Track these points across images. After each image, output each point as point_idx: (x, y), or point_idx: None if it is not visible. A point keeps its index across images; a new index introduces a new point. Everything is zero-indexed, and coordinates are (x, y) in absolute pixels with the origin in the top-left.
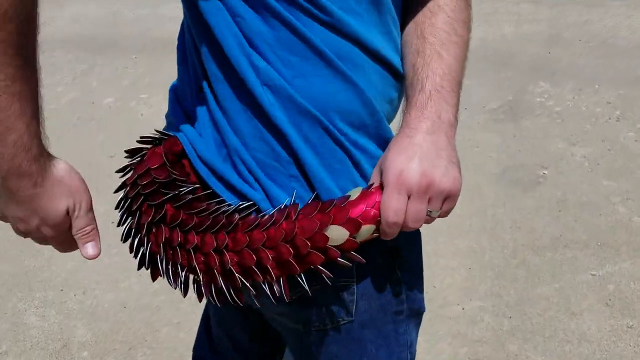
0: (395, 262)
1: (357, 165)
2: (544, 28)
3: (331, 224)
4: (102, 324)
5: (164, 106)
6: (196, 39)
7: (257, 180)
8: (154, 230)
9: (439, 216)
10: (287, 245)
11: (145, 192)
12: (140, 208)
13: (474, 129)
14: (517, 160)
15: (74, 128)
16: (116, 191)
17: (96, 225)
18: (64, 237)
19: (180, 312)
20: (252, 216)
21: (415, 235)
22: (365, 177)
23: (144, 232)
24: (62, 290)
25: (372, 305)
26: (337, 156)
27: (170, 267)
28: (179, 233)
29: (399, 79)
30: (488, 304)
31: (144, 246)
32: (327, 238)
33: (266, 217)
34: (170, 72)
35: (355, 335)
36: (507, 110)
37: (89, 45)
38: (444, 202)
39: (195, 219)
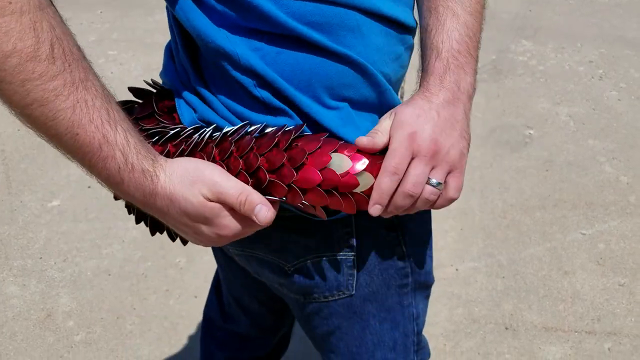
0: (401, 235)
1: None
2: None
3: (336, 152)
4: (86, 292)
5: (134, 64)
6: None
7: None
8: None
9: (447, 199)
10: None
11: None
12: None
13: None
14: (502, 121)
15: None
16: None
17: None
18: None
19: (168, 279)
20: (248, 137)
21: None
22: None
23: None
24: (41, 258)
25: (374, 280)
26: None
27: None
28: None
29: (408, 31)
30: (481, 264)
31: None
32: (330, 159)
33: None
34: (137, 27)
35: (357, 309)
36: (490, 69)
37: None
38: (448, 175)
39: (196, 155)
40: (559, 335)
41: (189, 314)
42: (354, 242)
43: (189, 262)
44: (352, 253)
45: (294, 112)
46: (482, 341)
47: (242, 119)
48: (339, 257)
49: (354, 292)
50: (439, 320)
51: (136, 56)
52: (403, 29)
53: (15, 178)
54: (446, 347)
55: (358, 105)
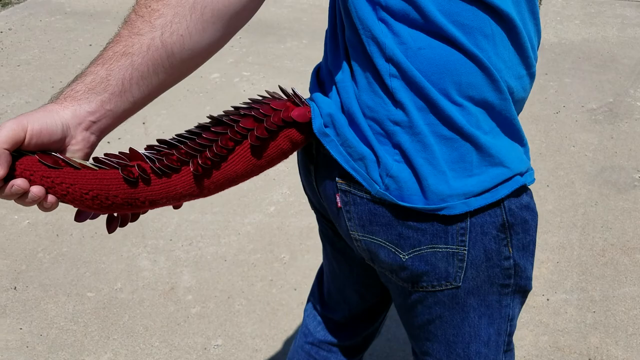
0: (509, 237)
1: (469, 139)
2: None
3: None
4: (204, 273)
5: (264, 84)
6: (344, 17)
7: (368, 143)
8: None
9: None
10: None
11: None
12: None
13: (572, 127)
14: (613, 162)
15: (184, 99)
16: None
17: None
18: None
19: (273, 271)
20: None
21: (533, 215)
22: (483, 149)
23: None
24: (171, 240)
25: (479, 275)
26: (445, 132)
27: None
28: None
29: (530, 58)
30: (573, 297)
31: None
32: None
33: None
34: (269, 53)
35: (460, 301)
36: (606, 111)
37: None
38: None
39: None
40: None
41: (288, 303)
42: (467, 238)
43: (292, 258)
44: (465, 248)
45: (417, 107)
46: None
47: (370, 110)
48: (451, 250)
49: (460, 284)
50: (524, 345)
51: (266, 78)
52: (527, 52)
53: None
54: None
55: (479, 107)
